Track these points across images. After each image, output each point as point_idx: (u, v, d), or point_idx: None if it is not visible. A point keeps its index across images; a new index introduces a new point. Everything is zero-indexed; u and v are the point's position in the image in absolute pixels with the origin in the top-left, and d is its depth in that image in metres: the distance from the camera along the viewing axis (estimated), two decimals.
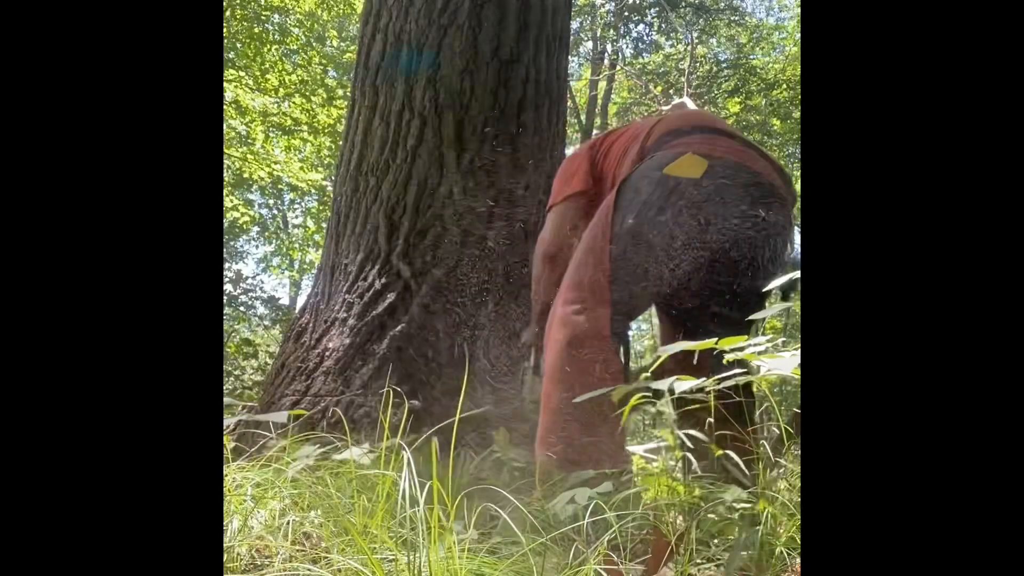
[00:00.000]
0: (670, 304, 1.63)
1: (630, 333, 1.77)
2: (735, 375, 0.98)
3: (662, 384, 1.00)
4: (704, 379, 0.99)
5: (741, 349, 0.98)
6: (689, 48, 8.61)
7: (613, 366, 1.45)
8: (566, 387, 1.43)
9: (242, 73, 8.39)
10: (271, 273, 13.81)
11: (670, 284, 1.50)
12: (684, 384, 0.94)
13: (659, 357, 1.15)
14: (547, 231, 1.84)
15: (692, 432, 1.10)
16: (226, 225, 10.06)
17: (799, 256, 1.52)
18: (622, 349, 1.57)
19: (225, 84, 7.82)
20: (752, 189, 1.46)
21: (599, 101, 11.78)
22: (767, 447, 1.12)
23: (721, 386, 0.98)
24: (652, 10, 9.33)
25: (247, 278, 6.59)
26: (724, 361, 0.99)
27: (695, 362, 1.24)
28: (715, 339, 1.00)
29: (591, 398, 1.25)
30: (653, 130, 1.67)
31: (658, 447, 1.44)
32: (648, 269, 1.49)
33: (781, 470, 1.10)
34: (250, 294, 6.30)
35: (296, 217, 13.82)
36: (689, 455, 1.15)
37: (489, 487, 1.08)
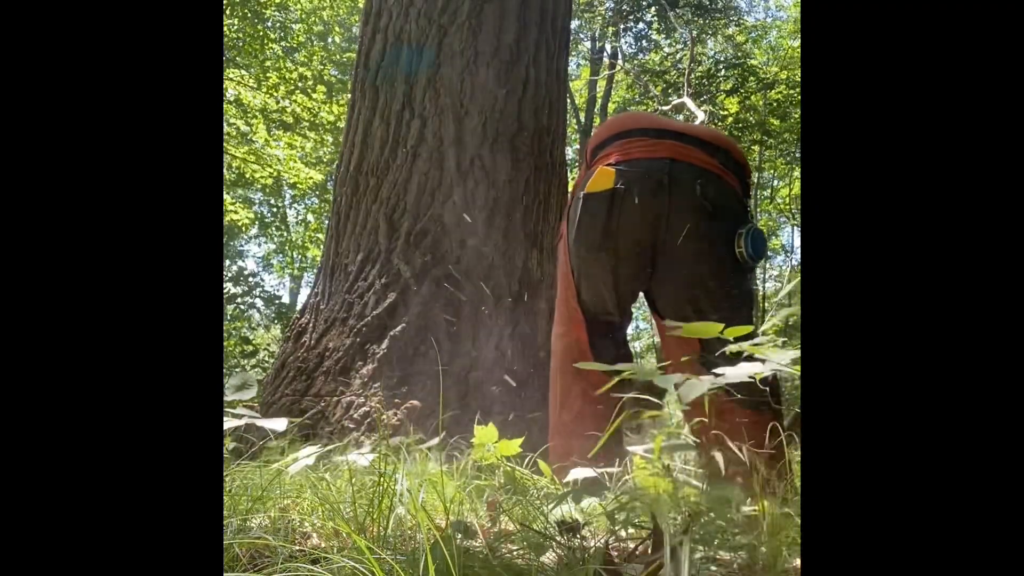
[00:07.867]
0: (654, 307, 1.66)
1: (629, 333, 1.79)
2: (728, 376, 0.97)
3: (666, 382, 0.98)
4: (712, 377, 0.98)
5: (747, 338, 0.96)
6: (688, 47, 8.60)
7: (596, 382, 1.51)
8: (560, 405, 1.56)
9: (243, 72, 8.38)
10: (272, 271, 13.77)
11: (616, 290, 1.56)
12: (693, 388, 0.93)
13: (663, 360, 1.15)
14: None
15: (689, 431, 1.10)
16: (226, 224, 10.04)
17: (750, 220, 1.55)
18: (619, 353, 1.60)
19: (226, 82, 7.81)
20: (649, 180, 1.50)
21: (598, 101, 11.78)
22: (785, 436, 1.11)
23: (724, 384, 0.97)
24: (651, 9, 9.32)
25: (249, 274, 6.58)
26: (728, 352, 0.98)
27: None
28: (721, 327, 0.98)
29: (584, 403, 1.28)
30: (587, 152, 1.73)
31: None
32: (598, 283, 1.57)
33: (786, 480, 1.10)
34: (254, 292, 6.29)
35: (297, 215, 13.79)
36: (688, 454, 1.15)
37: (488, 487, 1.08)
